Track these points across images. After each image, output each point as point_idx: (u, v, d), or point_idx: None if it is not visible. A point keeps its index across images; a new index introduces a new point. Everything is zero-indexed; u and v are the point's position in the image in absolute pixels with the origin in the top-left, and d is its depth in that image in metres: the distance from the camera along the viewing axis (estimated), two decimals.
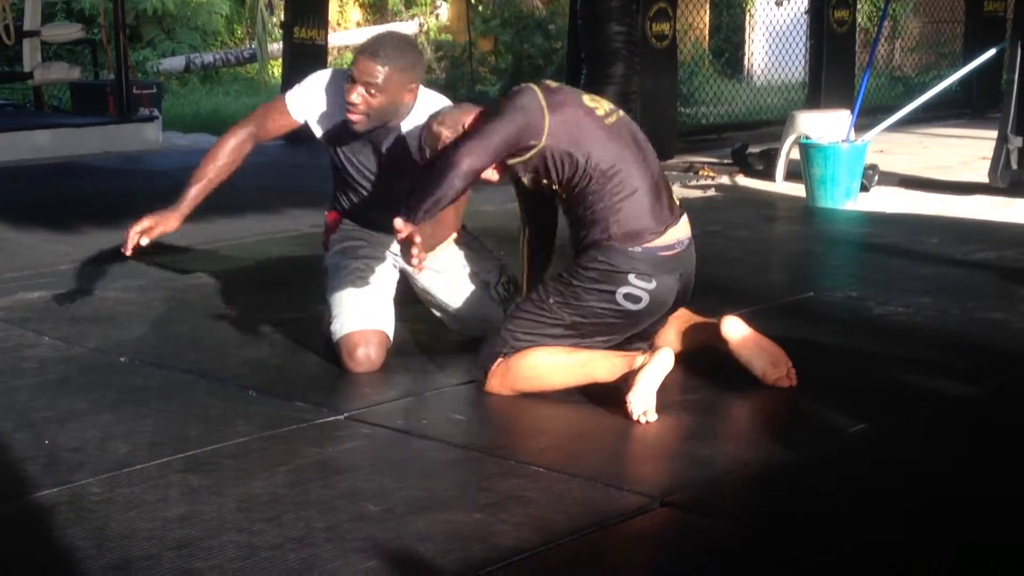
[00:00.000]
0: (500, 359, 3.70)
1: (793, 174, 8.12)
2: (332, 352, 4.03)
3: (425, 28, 18.33)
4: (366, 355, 3.94)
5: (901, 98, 11.04)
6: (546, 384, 3.69)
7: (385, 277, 4.13)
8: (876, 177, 7.92)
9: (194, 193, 4.06)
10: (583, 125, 3.63)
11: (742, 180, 8.62)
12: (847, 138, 7.52)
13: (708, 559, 2.72)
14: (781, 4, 14.58)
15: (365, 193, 4.14)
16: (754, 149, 8.90)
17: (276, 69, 15.32)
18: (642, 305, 3.66)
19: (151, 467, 3.17)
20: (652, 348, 3.65)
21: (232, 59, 17.50)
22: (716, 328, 3.76)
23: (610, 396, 3.64)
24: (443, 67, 15.05)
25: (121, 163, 9.88)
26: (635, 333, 3.79)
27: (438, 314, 4.29)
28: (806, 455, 3.28)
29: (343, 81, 3.96)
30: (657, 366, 3.49)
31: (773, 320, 4.45)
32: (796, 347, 4.22)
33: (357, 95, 3.86)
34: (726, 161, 9.07)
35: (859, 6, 11.96)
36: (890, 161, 8.71)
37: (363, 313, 3.99)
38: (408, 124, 4.00)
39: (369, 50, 3.89)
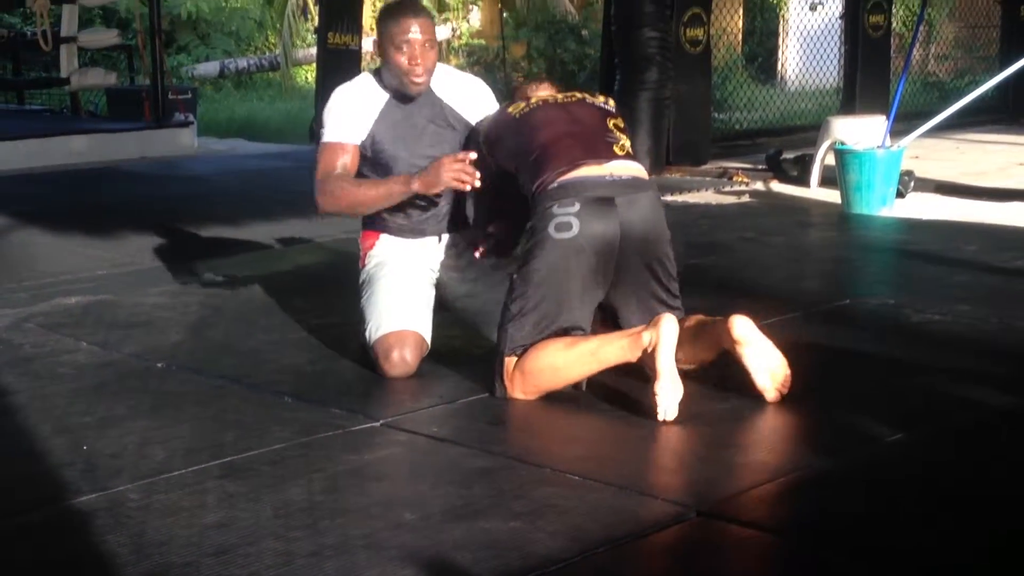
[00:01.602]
0: (511, 362, 3.73)
1: (828, 180, 8.09)
2: (369, 359, 4.04)
3: (458, 33, 18.39)
4: (401, 357, 3.94)
5: (936, 104, 10.97)
6: (563, 380, 3.73)
7: (422, 285, 4.14)
8: (912, 183, 7.88)
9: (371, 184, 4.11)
10: (500, 126, 4.04)
11: (776, 186, 8.59)
12: (883, 144, 7.48)
13: (744, 569, 2.72)
14: (815, 8, 14.53)
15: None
16: (788, 155, 8.87)
17: (310, 74, 15.41)
18: (574, 231, 3.65)
19: (188, 473, 3.19)
20: (653, 322, 3.60)
21: (266, 64, 17.60)
22: (725, 327, 3.69)
23: (641, 400, 3.63)
24: (476, 72, 15.05)
25: (157, 168, 9.95)
26: (631, 306, 3.81)
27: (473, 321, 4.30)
28: (842, 464, 3.26)
29: (357, 89, 4.13)
30: (666, 343, 3.51)
31: (810, 327, 4.44)
32: (833, 355, 4.22)
33: (420, 52, 3.97)
34: (760, 167, 9.04)
35: (894, 11, 11.91)
36: (926, 167, 8.66)
37: (399, 315, 4.00)
38: (438, 86, 4.15)
39: (412, 9, 4.04)
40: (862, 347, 4.38)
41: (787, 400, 3.68)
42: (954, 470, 3.24)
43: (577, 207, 3.67)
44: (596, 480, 3.13)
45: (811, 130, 9.43)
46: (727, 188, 8.59)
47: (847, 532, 2.85)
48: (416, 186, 3.94)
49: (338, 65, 11.07)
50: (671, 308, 3.81)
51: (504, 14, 15.93)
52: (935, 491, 3.09)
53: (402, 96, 4.09)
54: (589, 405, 3.73)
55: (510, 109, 4.06)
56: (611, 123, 3.96)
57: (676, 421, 3.51)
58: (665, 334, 3.52)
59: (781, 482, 3.18)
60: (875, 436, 3.47)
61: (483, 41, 17.14)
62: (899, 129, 7.95)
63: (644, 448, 3.42)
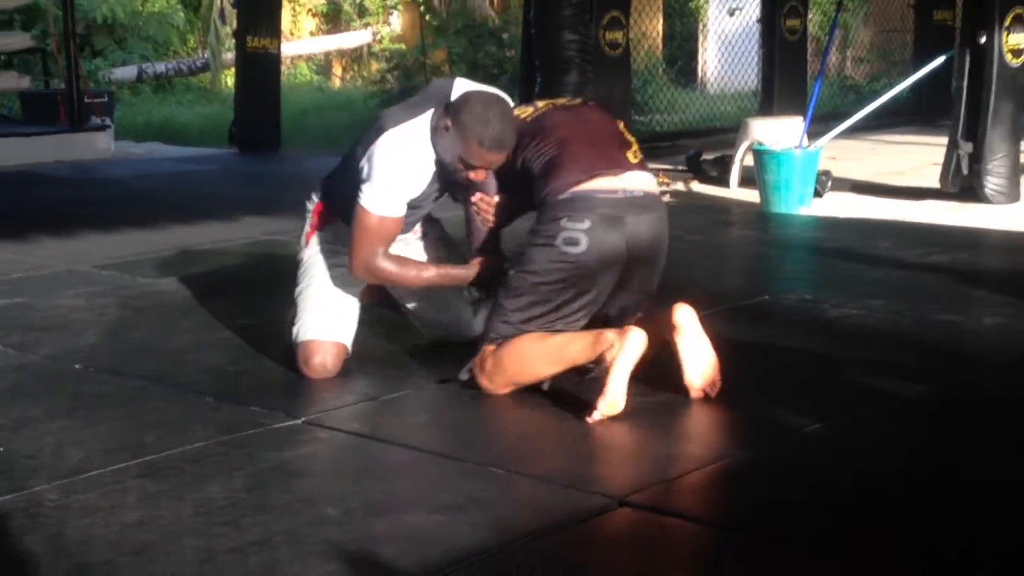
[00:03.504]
0: (488, 349, 3.70)
1: (747, 180, 8.18)
2: (289, 354, 4.02)
3: (378, 37, 18.33)
4: (322, 364, 3.94)
5: (853, 105, 11.11)
6: (531, 374, 3.70)
7: (357, 286, 4.10)
8: (829, 183, 7.99)
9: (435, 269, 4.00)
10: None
11: (697, 187, 8.66)
12: (800, 144, 7.58)
13: (666, 558, 2.74)
14: (733, 14, 14.68)
15: None
16: (708, 156, 8.95)
17: (229, 79, 15.28)
18: (582, 247, 3.60)
19: (107, 473, 3.14)
20: (621, 331, 3.55)
21: (184, 69, 17.41)
22: (667, 313, 3.69)
23: (571, 396, 3.66)
24: (396, 77, 15.02)
25: (73, 172, 9.81)
26: (613, 310, 3.78)
27: (409, 315, 4.27)
28: (763, 454, 3.30)
29: (417, 160, 3.83)
30: (627, 357, 3.48)
31: (730, 322, 4.48)
32: (752, 349, 4.26)
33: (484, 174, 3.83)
34: (681, 168, 9.11)
35: (810, 16, 12.06)
36: (843, 167, 8.78)
37: (326, 322, 3.98)
38: None
39: (501, 145, 3.73)
40: (781, 341, 4.44)
41: (708, 394, 3.71)
42: (871, 458, 3.29)
43: (588, 224, 3.61)
44: (520, 473, 3.14)
45: (730, 131, 9.52)
46: None
47: (769, 520, 2.89)
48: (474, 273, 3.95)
49: (257, 68, 11.03)
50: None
51: (427, 16, 15.91)
52: (853, 479, 3.14)
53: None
54: (517, 400, 3.73)
55: (518, 113, 3.91)
56: (621, 126, 3.93)
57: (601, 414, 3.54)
58: (628, 349, 3.49)
59: (704, 472, 3.21)
60: (794, 427, 3.52)
61: (403, 46, 17.09)
62: (816, 130, 8.06)
63: (570, 441, 3.43)
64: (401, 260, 3.91)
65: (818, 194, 7.70)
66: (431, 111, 3.82)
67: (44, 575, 2.57)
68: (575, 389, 3.70)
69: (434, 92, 3.94)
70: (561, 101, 4.09)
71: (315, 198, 4.17)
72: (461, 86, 3.86)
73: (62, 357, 4.26)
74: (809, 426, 3.51)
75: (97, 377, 4.04)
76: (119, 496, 2.99)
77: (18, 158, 10.08)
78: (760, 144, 7.70)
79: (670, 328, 3.66)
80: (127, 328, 4.70)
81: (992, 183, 7.51)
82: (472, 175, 3.78)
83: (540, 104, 4.01)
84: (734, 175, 8.46)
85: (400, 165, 3.79)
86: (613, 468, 3.27)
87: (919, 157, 9.50)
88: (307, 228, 4.16)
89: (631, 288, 3.78)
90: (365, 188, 3.78)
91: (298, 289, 4.11)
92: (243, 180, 9.56)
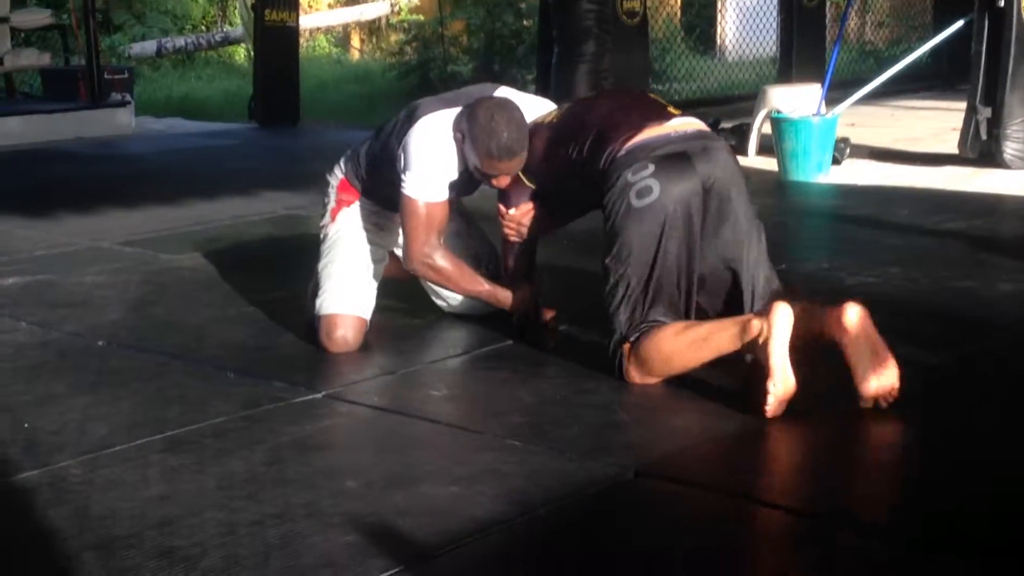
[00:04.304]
0: (627, 349, 3.56)
1: (765, 148, 8.16)
2: (310, 328, 4.06)
3: (396, 8, 18.30)
4: (343, 338, 3.98)
5: (872, 71, 11.07)
6: (680, 366, 3.55)
7: (380, 262, 4.14)
8: (847, 150, 7.97)
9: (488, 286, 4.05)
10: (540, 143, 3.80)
11: None
12: (818, 112, 7.57)
13: (682, 527, 2.77)
14: None
15: None
16: (726, 124, 8.92)
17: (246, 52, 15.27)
18: (655, 193, 3.46)
19: (131, 448, 3.19)
20: (767, 309, 3.36)
21: (204, 43, 17.42)
22: (835, 314, 3.38)
23: (586, 368, 3.69)
24: (414, 48, 15.01)
25: (94, 148, 9.86)
26: (726, 263, 3.64)
27: (429, 290, 4.31)
28: (777, 423, 3.31)
29: (452, 155, 3.86)
30: (779, 336, 3.27)
31: None
32: None
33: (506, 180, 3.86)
34: None
35: None
36: (861, 134, 8.76)
37: (348, 296, 4.02)
38: None
39: (511, 152, 3.75)
40: None
41: (724, 361, 3.72)
42: (884, 425, 3.31)
43: (652, 168, 3.49)
44: (536, 445, 3.18)
45: (749, 100, 9.50)
46: None
47: (786, 489, 2.92)
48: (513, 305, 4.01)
49: (276, 42, 11.05)
50: (768, 279, 3.70)
51: None
52: (867, 445, 3.16)
53: None
54: (531, 372, 3.77)
55: (540, 121, 3.86)
56: (650, 95, 3.87)
57: (610, 385, 3.58)
58: (778, 326, 3.28)
59: (720, 442, 3.24)
60: (811, 395, 3.53)
61: (421, 16, 17.06)
62: (835, 97, 8.04)
63: (585, 413, 3.46)
64: (459, 265, 3.98)
65: (836, 161, 7.69)
66: (463, 108, 3.85)
67: (69, 549, 2.62)
68: (586, 362, 3.73)
69: (472, 91, 4.00)
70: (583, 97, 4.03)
71: (338, 173, 4.20)
72: (502, 93, 3.92)
73: (85, 334, 4.31)
74: (825, 394, 3.53)
75: (120, 353, 4.09)
76: (142, 471, 3.04)
77: (39, 135, 10.13)
78: (778, 112, 7.69)
79: (839, 330, 3.37)
80: (150, 304, 4.75)
81: (1011, 148, 7.49)
82: (494, 182, 3.83)
83: (562, 106, 3.96)
84: (752, 143, 8.45)
85: (436, 151, 3.84)
86: (627, 438, 3.29)
87: (938, 123, 9.47)
88: (331, 204, 4.19)
89: (727, 239, 3.61)
90: (406, 177, 3.85)
91: (322, 263, 4.14)
92: (263, 154, 9.59)
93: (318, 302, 4.05)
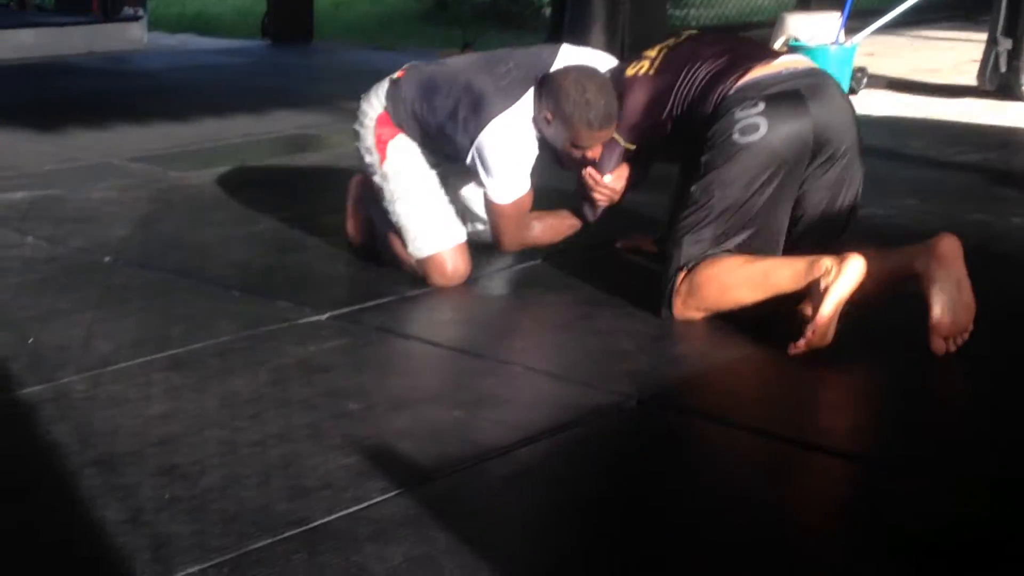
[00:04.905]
0: (681, 277, 3.46)
1: None
2: (411, 267, 3.94)
3: None
4: (455, 270, 3.88)
5: (892, 1, 10.94)
6: (731, 301, 3.42)
7: (440, 175, 4.04)
8: (864, 80, 7.89)
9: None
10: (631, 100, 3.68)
11: None
12: (836, 40, 7.48)
13: (682, 455, 2.77)
14: None
15: None
16: None
17: None
18: (762, 131, 3.34)
19: (134, 365, 3.20)
20: (840, 257, 3.21)
21: None
22: (926, 247, 3.22)
23: (593, 296, 3.67)
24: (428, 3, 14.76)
25: (105, 63, 9.80)
26: (819, 210, 3.51)
27: (461, 217, 4.12)
28: (781, 353, 3.29)
29: (531, 142, 3.81)
30: (842, 287, 3.15)
31: None
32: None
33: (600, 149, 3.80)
34: None
35: None
36: (879, 64, 8.66)
37: (440, 230, 3.91)
38: None
39: (610, 118, 3.68)
40: None
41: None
42: (891, 356, 3.30)
43: (762, 106, 3.36)
44: (539, 371, 3.18)
45: (768, 27, 9.38)
46: None
47: (786, 418, 2.92)
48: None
49: None
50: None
51: None
52: (873, 376, 3.15)
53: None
54: (534, 297, 3.76)
55: (630, 73, 3.69)
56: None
57: (616, 312, 3.56)
58: (846, 275, 3.15)
59: (721, 370, 3.24)
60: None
61: None
62: (854, 26, 7.93)
63: (588, 339, 3.45)
64: (546, 224, 3.98)
65: (853, 91, 7.61)
66: (529, 93, 3.76)
67: (71, 464, 2.63)
68: (594, 292, 3.72)
69: (528, 62, 3.87)
70: (669, 42, 3.79)
71: (376, 105, 3.98)
72: (564, 56, 3.82)
73: (92, 249, 4.30)
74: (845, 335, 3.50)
75: (126, 270, 4.09)
76: (145, 388, 3.05)
77: (51, 48, 10.07)
78: (795, 40, 7.59)
79: (930, 262, 3.19)
80: (157, 221, 4.74)
81: None
82: (589, 154, 3.76)
83: (650, 53, 3.73)
84: None
85: (514, 153, 3.77)
86: (629, 366, 3.28)
87: (958, 54, 9.36)
88: (370, 139, 3.97)
89: (828, 185, 3.50)
90: (489, 184, 3.79)
91: (395, 206, 3.95)
92: (276, 73, 9.52)
93: (413, 247, 3.91)
